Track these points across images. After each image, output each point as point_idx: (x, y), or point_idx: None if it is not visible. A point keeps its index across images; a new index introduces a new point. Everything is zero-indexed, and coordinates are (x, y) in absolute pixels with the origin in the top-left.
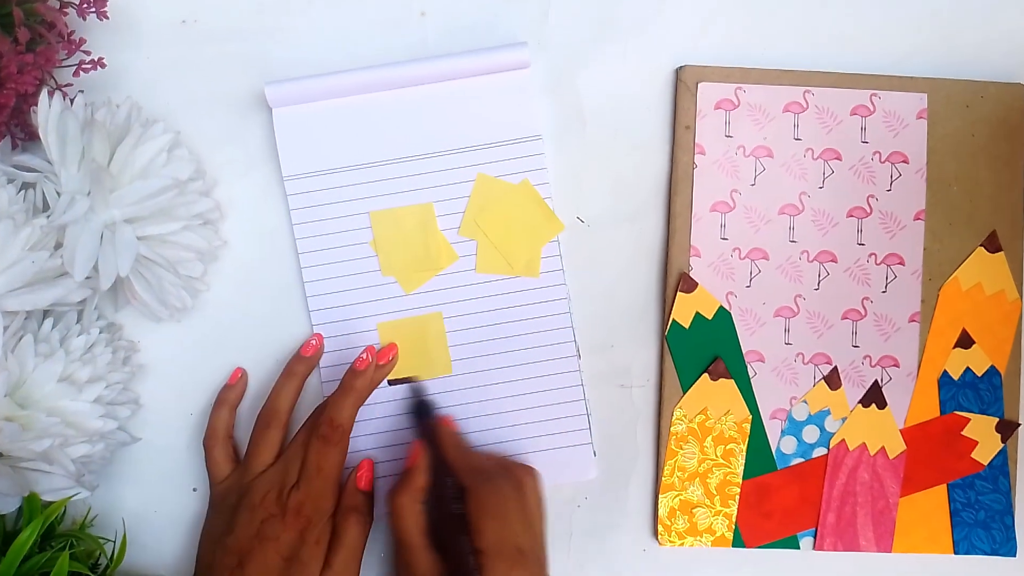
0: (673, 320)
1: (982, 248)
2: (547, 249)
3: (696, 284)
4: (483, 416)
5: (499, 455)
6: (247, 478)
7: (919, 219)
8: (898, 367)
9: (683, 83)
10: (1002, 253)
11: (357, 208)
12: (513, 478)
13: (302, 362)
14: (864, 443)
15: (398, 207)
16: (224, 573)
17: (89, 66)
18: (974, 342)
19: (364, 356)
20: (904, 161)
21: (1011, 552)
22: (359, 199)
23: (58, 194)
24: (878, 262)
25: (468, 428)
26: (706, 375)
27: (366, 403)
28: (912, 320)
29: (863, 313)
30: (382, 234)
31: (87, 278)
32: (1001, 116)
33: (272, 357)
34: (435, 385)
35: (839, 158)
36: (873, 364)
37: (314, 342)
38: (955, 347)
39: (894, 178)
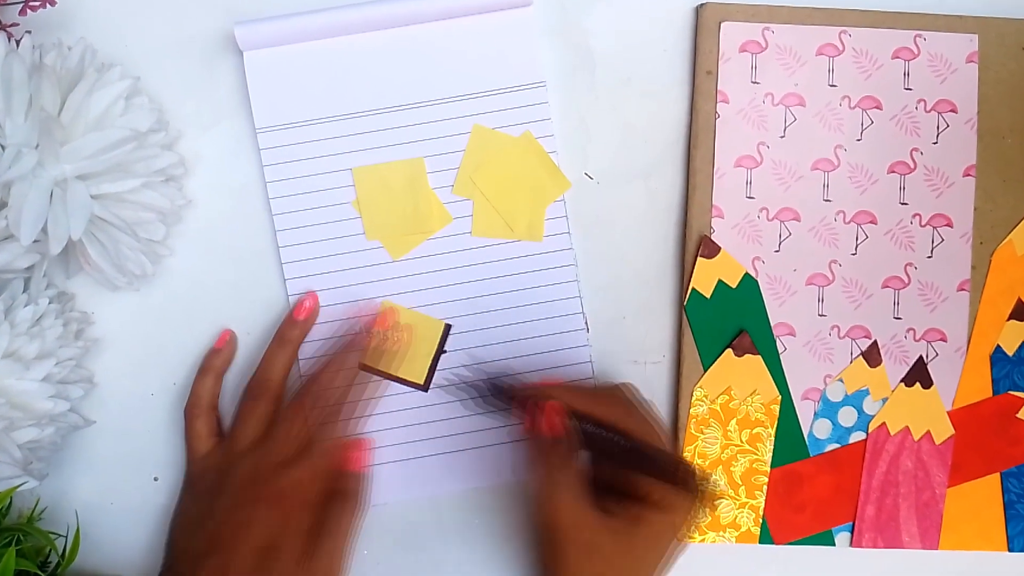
0: (692, 289)
1: None
2: (551, 210)
3: (718, 248)
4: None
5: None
6: (231, 455)
7: (969, 175)
8: (945, 341)
9: (704, 23)
10: None
11: (338, 164)
12: (623, 386)
13: (295, 327)
14: (907, 427)
15: (384, 163)
16: (199, 561)
17: (37, 3)
18: None
19: (307, 304)
20: (952, 110)
21: None
22: (340, 154)
23: (2, 147)
24: (923, 224)
25: (464, 410)
26: (730, 351)
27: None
28: (961, 289)
29: (906, 281)
30: (366, 194)
31: (35, 241)
32: None
33: (242, 329)
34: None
35: (879, 107)
36: (917, 338)
37: (308, 303)
38: (1009, 319)
39: (941, 129)
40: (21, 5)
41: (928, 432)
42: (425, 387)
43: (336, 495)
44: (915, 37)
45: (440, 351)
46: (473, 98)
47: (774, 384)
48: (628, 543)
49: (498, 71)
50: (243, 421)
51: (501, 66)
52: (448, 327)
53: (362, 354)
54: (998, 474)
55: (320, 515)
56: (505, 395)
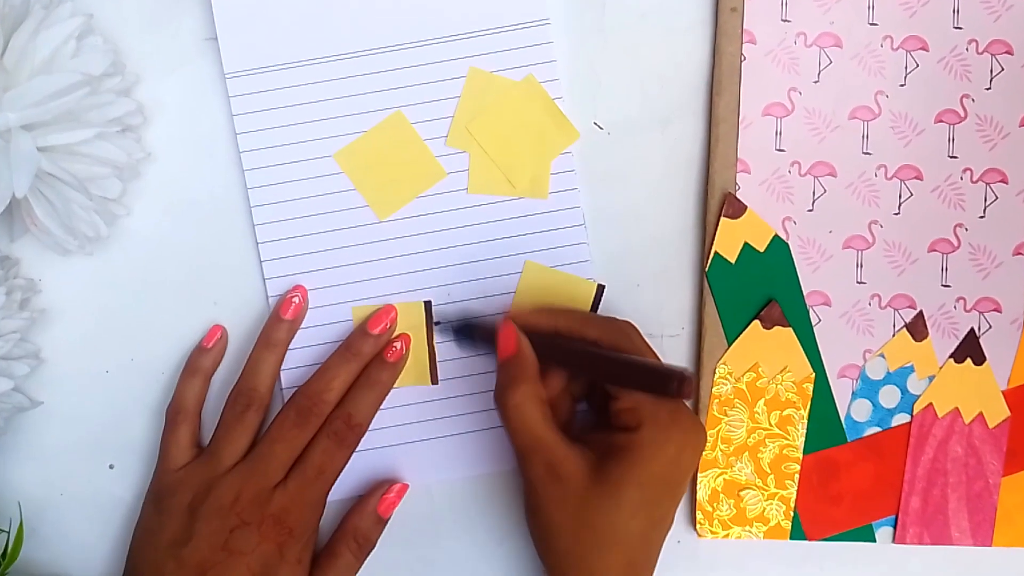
0: (715, 253)
1: None
2: (557, 163)
3: (745, 207)
4: (481, 374)
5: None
6: (214, 471)
7: None
8: (1000, 312)
9: None
10: None
11: (318, 113)
12: (623, 321)
13: (282, 326)
14: (957, 408)
15: (361, 135)
16: None
17: None
18: None
19: (397, 346)
20: (1008, 52)
21: None
22: (319, 101)
23: None
24: (974, 179)
25: (461, 390)
26: (757, 322)
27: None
28: (1017, 253)
29: (956, 244)
30: (358, 175)
31: None
32: None
33: (209, 299)
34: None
35: (925, 48)
36: (968, 308)
37: (296, 299)
38: None
39: (995, 73)
40: None
41: (980, 414)
42: (435, 380)
43: (353, 534)
44: None
45: (432, 332)
46: (468, 38)
47: (807, 360)
48: (601, 475)
49: (497, 7)
50: (227, 434)
51: (499, 1)
52: (429, 303)
53: (361, 360)
54: None
55: (327, 549)
56: (477, 335)
